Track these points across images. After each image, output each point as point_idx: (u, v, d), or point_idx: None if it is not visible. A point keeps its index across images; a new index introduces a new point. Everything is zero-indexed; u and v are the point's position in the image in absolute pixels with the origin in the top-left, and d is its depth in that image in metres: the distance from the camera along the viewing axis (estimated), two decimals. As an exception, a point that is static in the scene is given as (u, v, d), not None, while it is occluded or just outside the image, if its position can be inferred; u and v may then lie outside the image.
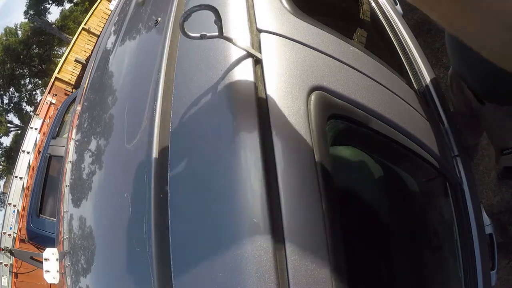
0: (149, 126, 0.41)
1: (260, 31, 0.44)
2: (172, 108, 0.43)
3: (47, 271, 0.78)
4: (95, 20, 6.26)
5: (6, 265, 3.72)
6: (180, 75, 0.46)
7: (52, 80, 5.76)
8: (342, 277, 0.35)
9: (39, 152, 3.90)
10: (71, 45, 6.25)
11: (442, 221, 0.73)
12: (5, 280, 3.71)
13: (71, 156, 0.75)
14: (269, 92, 0.41)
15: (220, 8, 0.38)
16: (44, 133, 4.12)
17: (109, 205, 0.52)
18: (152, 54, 0.53)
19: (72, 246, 0.63)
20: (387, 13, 0.85)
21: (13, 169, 4.14)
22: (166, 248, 0.36)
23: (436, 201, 0.76)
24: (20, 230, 3.85)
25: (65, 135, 2.97)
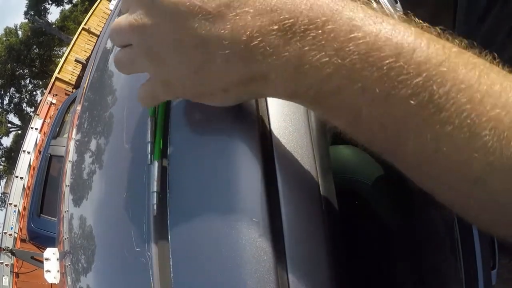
0: (148, 126, 0.41)
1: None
2: (172, 108, 0.42)
3: (48, 271, 0.78)
4: (95, 20, 6.26)
5: (7, 265, 3.73)
6: (179, 74, 0.45)
7: (52, 80, 5.76)
8: (343, 277, 0.35)
9: (39, 152, 3.91)
10: (71, 45, 6.25)
11: (442, 220, 0.73)
12: (6, 280, 3.72)
13: (71, 156, 0.75)
14: (268, 91, 0.41)
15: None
16: (44, 133, 4.12)
17: (109, 205, 0.52)
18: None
19: (73, 246, 0.63)
20: (387, 12, 0.84)
21: (14, 169, 4.14)
22: (166, 248, 0.36)
23: (437, 200, 0.76)
24: (21, 230, 3.86)
25: (66, 135, 2.97)
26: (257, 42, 0.26)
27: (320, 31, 0.25)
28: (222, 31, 0.26)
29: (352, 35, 0.24)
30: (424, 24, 0.28)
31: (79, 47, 6.12)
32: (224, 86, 0.30)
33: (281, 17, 0.25)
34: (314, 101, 0.28)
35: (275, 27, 0.25)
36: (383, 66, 0.24)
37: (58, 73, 5.73)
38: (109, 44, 0.80)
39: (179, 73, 0.30)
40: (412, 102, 0.24)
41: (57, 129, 3.47)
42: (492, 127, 0.23)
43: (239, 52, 0.27)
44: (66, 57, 5.99)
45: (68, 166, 0.75)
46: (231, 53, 0.27)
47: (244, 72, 0.28)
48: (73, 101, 2.91)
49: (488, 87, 0.24)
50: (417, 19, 0.28)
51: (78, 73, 5.82)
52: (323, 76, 0.25)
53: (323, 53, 0.25)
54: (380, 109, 0.25)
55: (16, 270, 3.74)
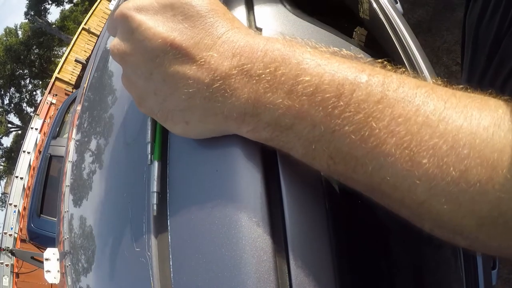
0: (149, 126, 0.41)
1: (259, 29, 0.43)
2: (172, 108, 0.42)
3: (48, 271, 0.78)
4: (95, 20, 6.27)
5: (7, 265, 3.73)
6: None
7: (52, 80, 5.77)
8: (346, 277, 0.35)
9: (39, 152, 3.91)
10: (71, 45, 6.26)
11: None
12: (6, 280, 3.72)
13: (71, 156, 0.75)
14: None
15: (219, 7, 0.38)
16: (44, 133, 4.12)
17: (109, 205, 0.52)
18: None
19: (73, 246, 0.63)
20: (387, 12, 0.84)
21: (14, 170, 4.15)
22: (166, 248, 0.36)
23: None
24: (21, 230, 3.86)
25: (66, 135, 2.97)
26: (218, 84, 0.29)
27: (273, 75, 0.28)
28: (188, 71, 0.30)
29: (300, 78, 0.27)
30: (368, 59, 0.30)
31: (79, 47, 6.12)
32: (187, 119, 0.33)
33: (241, 63, 0.29)
34: (272, 136, 0.30)
35: (235, 71, 0.29)
36: (328, 106, 0.27)
37: (58, 73, 5.74)
38: (109, 44, 0.80)
39: (147, 97, 0.33)
40: (354, 137, 0.26)
41: (57, 129, 3.47)
42: (431, 155, 0.25)
43: (202, 91, 0.30)
44: (66, 57, 5.99)
45: (68, 166, 0.75)
46: (195, 91, 0.30)
47: (205, 109, 0.31)
48: (73, 101, 2.91)
49: (426, 118, 0.26)
50: (364, 57, 0.30)
51: (78, 73, 5.83)
52: (278, 115, 0.28)
53: (276, 95, 0.28)
54: (328, 144, 0.27)
55: (16, 270, 3.74)
